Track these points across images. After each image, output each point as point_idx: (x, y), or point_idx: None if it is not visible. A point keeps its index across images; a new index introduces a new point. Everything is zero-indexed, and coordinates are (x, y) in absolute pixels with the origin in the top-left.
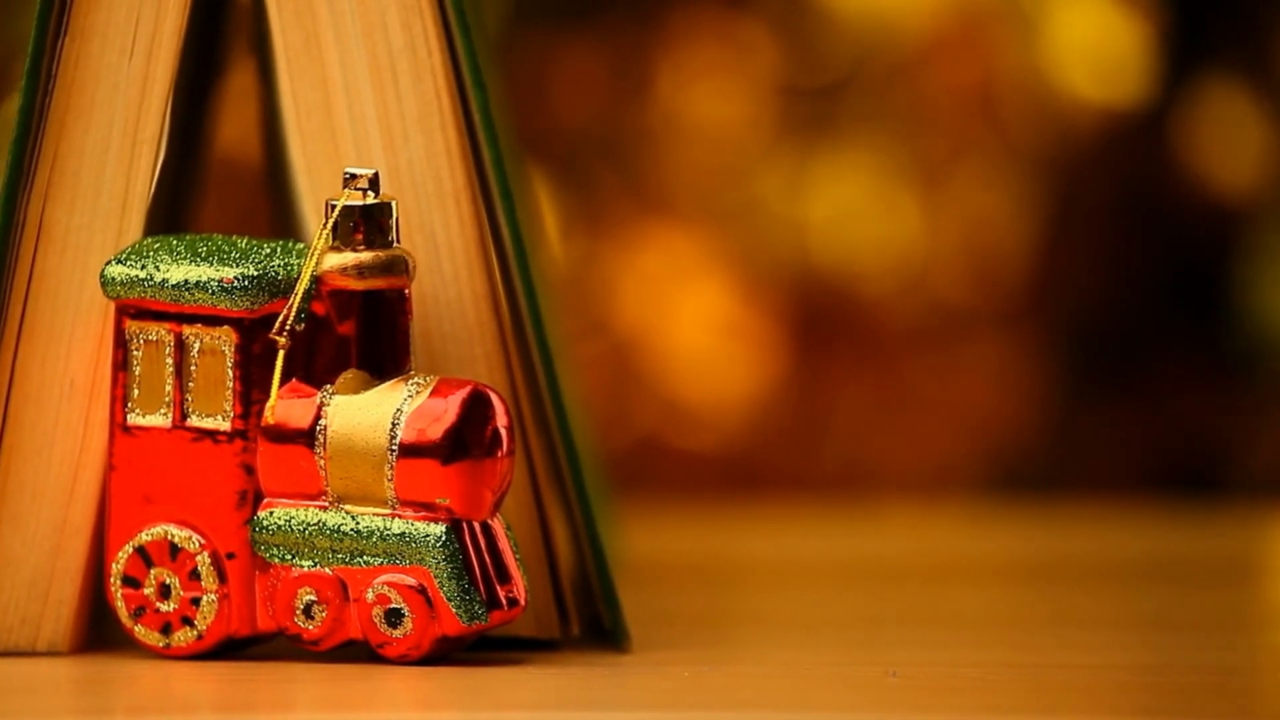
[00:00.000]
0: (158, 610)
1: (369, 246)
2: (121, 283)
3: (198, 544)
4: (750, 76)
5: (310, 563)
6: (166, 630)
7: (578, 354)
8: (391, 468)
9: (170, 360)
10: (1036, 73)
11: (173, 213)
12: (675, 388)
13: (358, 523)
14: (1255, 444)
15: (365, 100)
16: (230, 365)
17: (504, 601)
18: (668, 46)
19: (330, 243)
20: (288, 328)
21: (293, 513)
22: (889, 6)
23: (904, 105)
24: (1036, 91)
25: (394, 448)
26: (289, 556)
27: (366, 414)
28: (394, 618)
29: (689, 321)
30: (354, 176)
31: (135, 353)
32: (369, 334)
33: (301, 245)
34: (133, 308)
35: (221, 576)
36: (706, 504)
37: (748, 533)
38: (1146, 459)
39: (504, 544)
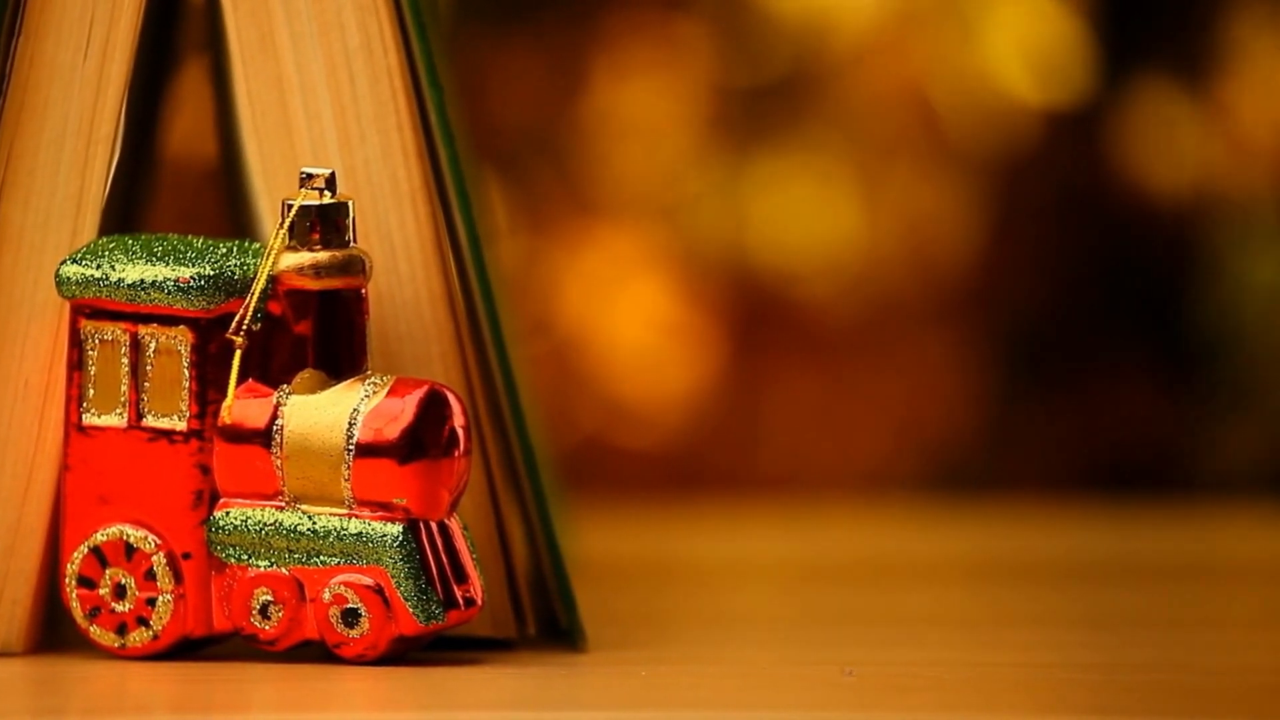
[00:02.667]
0: (113, 610)
1: (326, 246)
2: (77, 282)
3: (153, 544)
4: (688, 76)
5: (266, 563)
6: (122, 631)
7: (522, 354)
8: (348, 467)
9: (126, 360)
10: (974, 73)
11: (127, 212)
12: (616, 387)
13: (314, 523)
14: (1193, 443)
15: (321, 100)
16: (186, 365)
17: (461, 601)
18: (605, 46)
19: (287, 242)
20: (244, 327)
21: (249, 513)
22: (826, 6)
23: (842, 105)
24: (974, 92)
25: (351, 447)
26: (245, 556)
27: (323, 414)
28: (351, 618)
29: (629, 320)
30: (310, 176)
31: (90, 352)
32: (326, 334)
33: (258, 245)
34: (88, 307)
35: (177, 577)
36: (649, 503)
37: (691, 531)
38: (1086, 458)
39: (461, 544)
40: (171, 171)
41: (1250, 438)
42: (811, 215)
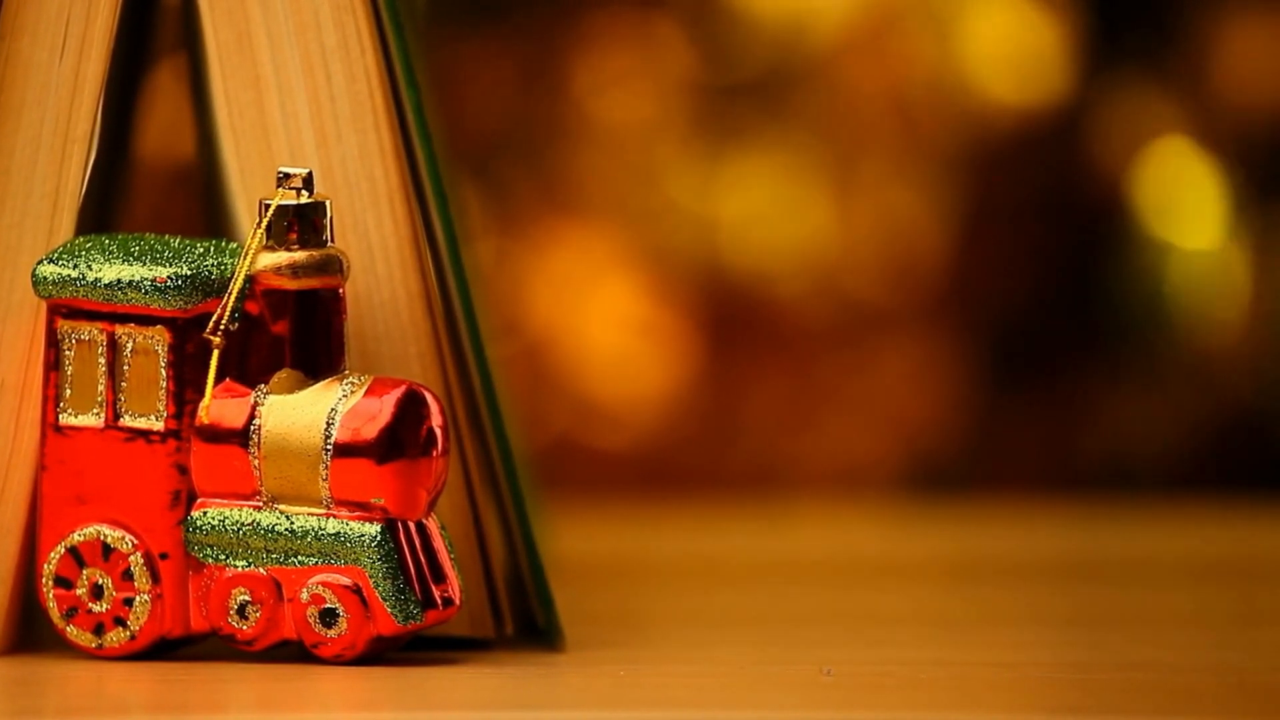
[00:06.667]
0: (90, 611)
1: (303, 246)
2: (53, 282)
3: (130, 544)
4: (663, 76)
5: (244, 563)
6: (99, 631)
7: (495, 354)
8: (326, 467)
9: (103, 360)
10: (950, 73)
11: (104, 212)
12: (588, 387)
13: (292, 522)
14: (1170, 440)
15: (298, 99)
16: (163, 365)
17: (439, 601)
18: (580, 46)
19: (264, 242)
20: (222, 327)
21: (227, 513)
22: (802, 7)
23: (817, 105)
24: (950, 91)
25: (329, 447)
26: (223, 556)
27: (301, 413)
28: (329, 618)
29: (601, 321)
30: (288, 176)
31: (67, 352)
32: (303, 333)
33: (235, 245)
34: (65, 307)
35: (154, 577)
36: (622, 503)
37: (665, 531)
38: (1064, 457)
39: (439, 544)
40: (148, 171)
41: (1228, 436)
42: (786, 215)
